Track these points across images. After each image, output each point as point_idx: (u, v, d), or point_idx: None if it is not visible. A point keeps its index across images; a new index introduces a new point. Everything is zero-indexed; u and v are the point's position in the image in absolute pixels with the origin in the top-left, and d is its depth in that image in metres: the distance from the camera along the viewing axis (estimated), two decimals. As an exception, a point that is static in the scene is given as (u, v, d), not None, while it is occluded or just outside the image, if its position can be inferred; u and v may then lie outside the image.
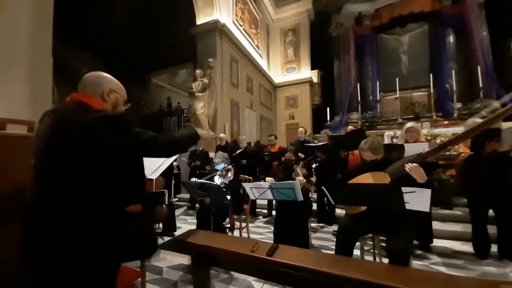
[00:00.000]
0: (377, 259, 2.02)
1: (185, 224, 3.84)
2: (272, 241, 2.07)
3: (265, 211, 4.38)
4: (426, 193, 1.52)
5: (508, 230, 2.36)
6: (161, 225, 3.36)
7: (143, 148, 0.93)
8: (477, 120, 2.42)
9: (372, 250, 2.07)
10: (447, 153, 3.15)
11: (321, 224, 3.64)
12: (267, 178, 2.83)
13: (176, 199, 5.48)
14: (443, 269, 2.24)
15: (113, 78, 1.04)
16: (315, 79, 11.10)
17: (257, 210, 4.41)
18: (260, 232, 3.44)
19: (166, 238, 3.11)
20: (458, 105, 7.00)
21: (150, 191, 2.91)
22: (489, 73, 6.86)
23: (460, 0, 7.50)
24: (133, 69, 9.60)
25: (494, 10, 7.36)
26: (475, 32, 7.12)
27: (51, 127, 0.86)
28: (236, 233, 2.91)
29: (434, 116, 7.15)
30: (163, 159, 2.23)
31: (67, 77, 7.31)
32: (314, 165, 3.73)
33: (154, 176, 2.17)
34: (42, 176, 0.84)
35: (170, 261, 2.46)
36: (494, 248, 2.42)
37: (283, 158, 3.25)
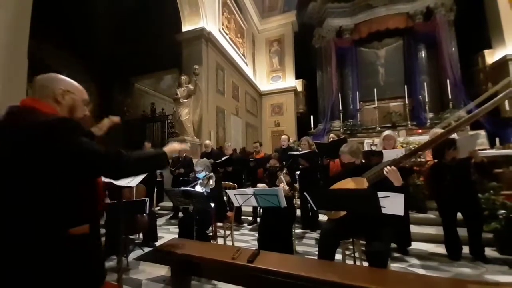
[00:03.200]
0: (358, 263, 2.07)
1: (167, 233, 3.72)
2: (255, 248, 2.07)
3: (250, 218, 4.36)
4: (400, 198, 1.60)
5: (476, 232, 2.53)
6: (141, 235, 3.23)
7: (85, 161, 0.80)
8: (437, 130, 2.65)
9: (352, 254, 2.13)
10: (418, 159, 3.36)
11: (305, 230, 3.68)
12: (258, 185, 2.83)
13: (158, 207, 5.30)
14: (419, 270, 2.34)
15: (67, 78, 0.95)
16: (299, 88, 11.42)
17: (242, 217, 4.38)
18: (245, 239, 3.41)
19: (147, 249, 2.99)
20: (430, 115, 7.50)
21: (130, 199, 2.82)
22: (457, 85, 7.44)
23: (431, 17, 8.16)
24: (116, 73, 9.35)
25: (463, 27, 8.07)
26: (445, 47, 7.74)
27: None
28: (221, 241, 2.87)
29: (409, 125, 7.58)
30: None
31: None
32: (297, 172, 3.80)
33: (133, 184, 2.10)
34: None
35: (149, 273, 2.37)
36: (466, 249, 2.57)
37: (268, 164, 3.29)
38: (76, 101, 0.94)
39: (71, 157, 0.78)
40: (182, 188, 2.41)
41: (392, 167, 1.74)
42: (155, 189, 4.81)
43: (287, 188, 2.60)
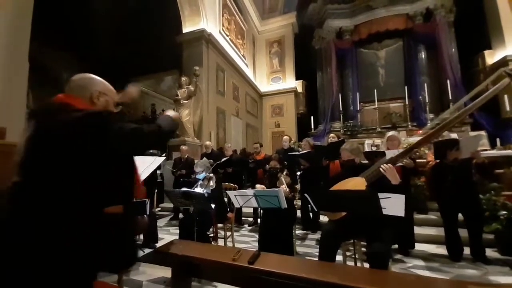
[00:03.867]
0: (359, 264, 2.07)
1: (168, 234, 3.72)
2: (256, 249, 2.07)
3: (251, 219, 4.35)
4: (401, 199, 1.60)
5: (477, 233, 2.52)
6: (141, 236, 3.22)
7: (129, 140, 0.87)
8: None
9: (353, 255, 2.12)
10: (418, 160, 3.36)
11: (306, 232, 3.67)
12: (257, 186, 2.83)
13: (159, 208, 5.29)
14: (420, 271, 2.33)
15: (102, 80, 1.00)
16: (299, 89, 11.43)
17: (242, 218, 4.38)
18: (245, 240, 3.40)
19: (147, 250, 2.98)
20: (431, 115, 7.50)
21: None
22: (457, 86, 7.45)
23: (430, 18, 8.17)
24: (117, 74, 9.35)
25: (462, 27, 8.08)
26: (445, 48, 7.75)
27: (34, 129, 0.83)
28: (221, 242, 2.86)
29: (409, 126, 7.59)
30: (143, 166, 2.17)
31: (45, 81, 6.99)
32: (298, 173, 3.80)
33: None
34: (25, 179, 0.80)
35: (150, 274, 2.36)
36: (468, 250, 2.56)
37: (267, 165, 3.29)
38: (109, 103, 0.98)
39: (116, 142, 0.84)
40: (183, 189, 2.41)
41: (389, 165, 1.74)
42: (156, 190, 4.81)
43: (288, 189, 2.59)
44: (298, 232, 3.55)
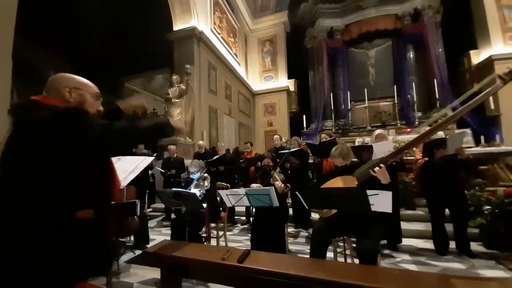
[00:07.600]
0: (349, 260, 2.10)
1: (159, 235, 3.67)
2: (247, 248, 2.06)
3: (244, 218, 4.35)
4: (388, 195, 1.63)
5: (462, 227, 2.61)
6: (132, 237, 3.17)
7: (97, 137, 0.84)
8: (426, 128, 2.71)
9: (344, 252, 2.15)
10: (407, 157, 3.44)
11: (298, 229, 3.70)
12: (252, 185, 2.82)
13: (150, 209, 5.22)
14: (408, 266, 2.39)
15: (74, 76, 1.00)
16: (292, 88, 11.48)
17: (235, 217, 4.37)
18: (238, 240, 3.40)
19: (138, 252, 2.93)
20: (419, 114, 7.68)
21: (120, 201, 2.76)
22: (444, 85, 7.65)
23: (419, 19, 8.35)
24: (105, 72, 9.13)
25: (449, 28, 8.31)
26: (432, 48, 7.94)
27: (12, 127, 0.85)
28: (214, 241, 2.85)
29: (398, 124, 7.75)
30: (132, 165, 2.12)
31: (32, 80, 6.75)
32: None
33: (123, 185, 2.06)
34: (5, 176, 0.81)
35: (141, 276, 2.33)
36: (453, 244, 2.64)
37: (259, 163, 3.29)
38: (85, 96, 0.97)
39: (85, 140, 0.83)
40: (173, 189, 2.38)
41: (381, 166, 1.76)
42: (147, 191, 4.73)
43: (282, 185, 2.60)
44: (290, 229, 3.58)
